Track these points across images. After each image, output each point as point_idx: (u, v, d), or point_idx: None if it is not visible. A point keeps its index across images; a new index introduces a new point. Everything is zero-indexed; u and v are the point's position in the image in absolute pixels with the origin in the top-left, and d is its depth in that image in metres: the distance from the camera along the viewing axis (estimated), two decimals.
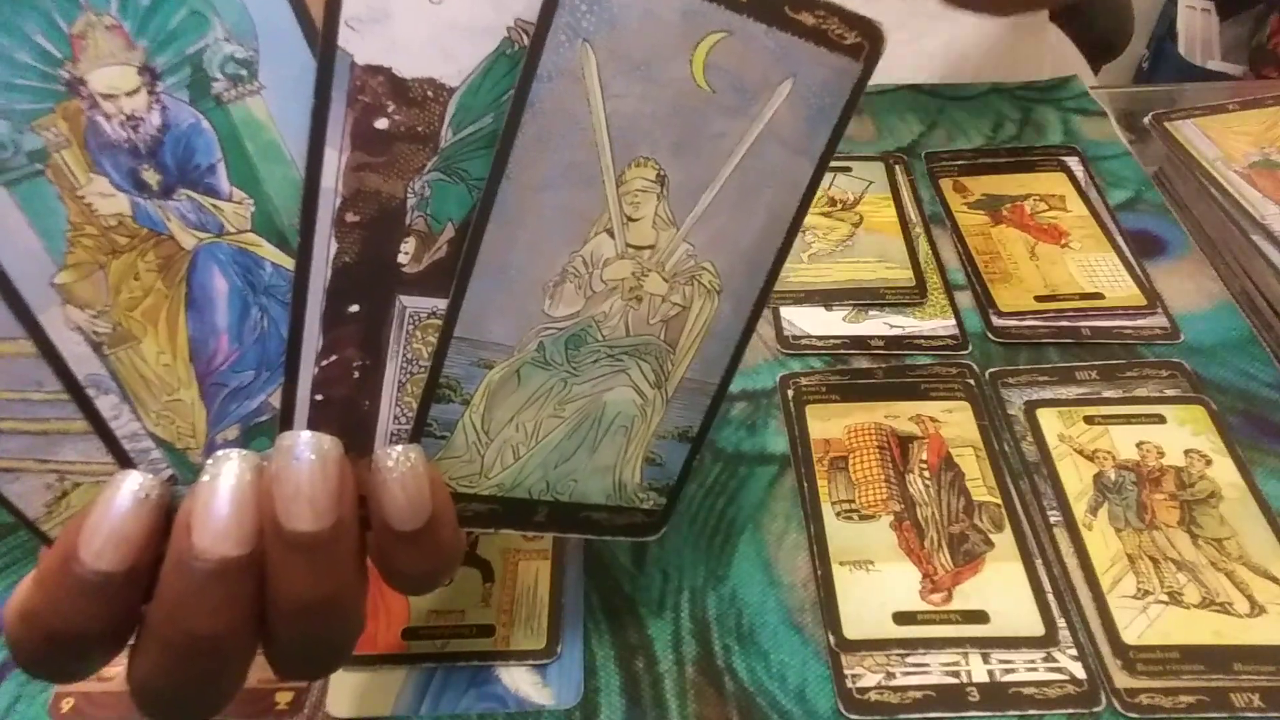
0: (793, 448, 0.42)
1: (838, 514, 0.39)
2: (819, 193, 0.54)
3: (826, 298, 0.48)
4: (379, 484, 0.25)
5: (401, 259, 0.25)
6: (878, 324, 0.47)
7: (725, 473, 0.41)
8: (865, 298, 0.48)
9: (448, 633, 0.36)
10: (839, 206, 0.54)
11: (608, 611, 0.36)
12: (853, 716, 0.33)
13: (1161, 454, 0.41)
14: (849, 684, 0.34)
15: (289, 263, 0.24)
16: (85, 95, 0.22)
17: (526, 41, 0.24)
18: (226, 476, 0.23)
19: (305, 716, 0.34)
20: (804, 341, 0.46)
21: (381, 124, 0.23)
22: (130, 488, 0.23)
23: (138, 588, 0.23)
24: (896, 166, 0.56)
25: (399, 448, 0.25)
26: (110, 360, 0.23)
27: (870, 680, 0.34)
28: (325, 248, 0.24)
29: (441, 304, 0.25)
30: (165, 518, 0.23)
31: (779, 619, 0.36)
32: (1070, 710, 0.33)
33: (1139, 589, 0.36)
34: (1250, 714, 0.33)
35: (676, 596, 0.37)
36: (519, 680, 0.35)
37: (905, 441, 0.42)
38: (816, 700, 0.34)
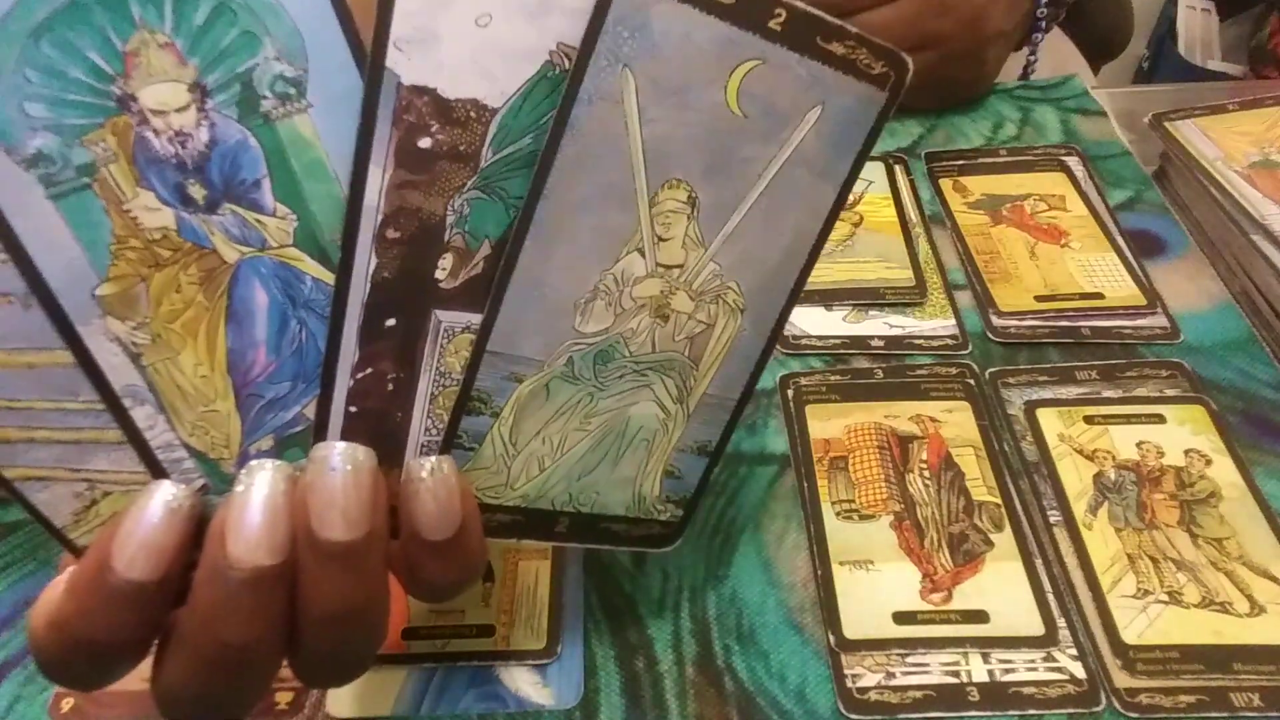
0: (793, 448, 0.42)
1: (838, 514, 0.39)
2: None
3: (826, 298, 0.48)
4: (411, 494, 0.25)
5: (439, 275, 0.25)
6: (878, 324, 0.47)
7: (725, 473, 0.41)
8: (865, 298, 0.48)
9: (448, 633, 0.36)
10: None
11: (608, 611, 0.36)
12: (853, 716, 0.33)
13: (1161, 454, 0.41)
14: (849, 684, 0.34)
15: (329, 277, 0.24)
16: (135, 111, 0.22)
17: (568, 65, 0.24)
18: (260, 486, 0.23)
19: (305, 716, 0.34)
20: (804, 341, 0.46)
21: (425, 143, 0.24)
22: (163, 498, 0.23)
23: (169, 597, 0.23)
24: (896, 166, 0.56)
25: (432, 458, 0.25)
26: (148, 371, 0.24)
27: (870, 680, 0.34)
28: (365, 263, 0.24)
29: (475, 319, 0.26)
30: (197, 528, 0.24)
31: (779, 619, 0.36)
32: (1070, 710, 0.33)
33: (1139, 589, 0.36)
34: (1250, 714, 0.33)
35: (676, 596, 0.37)
36: (519, 680, 0.35)
37: (905, 441, 0.42)
38: (816, 700, 0.34)
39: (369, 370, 0.25)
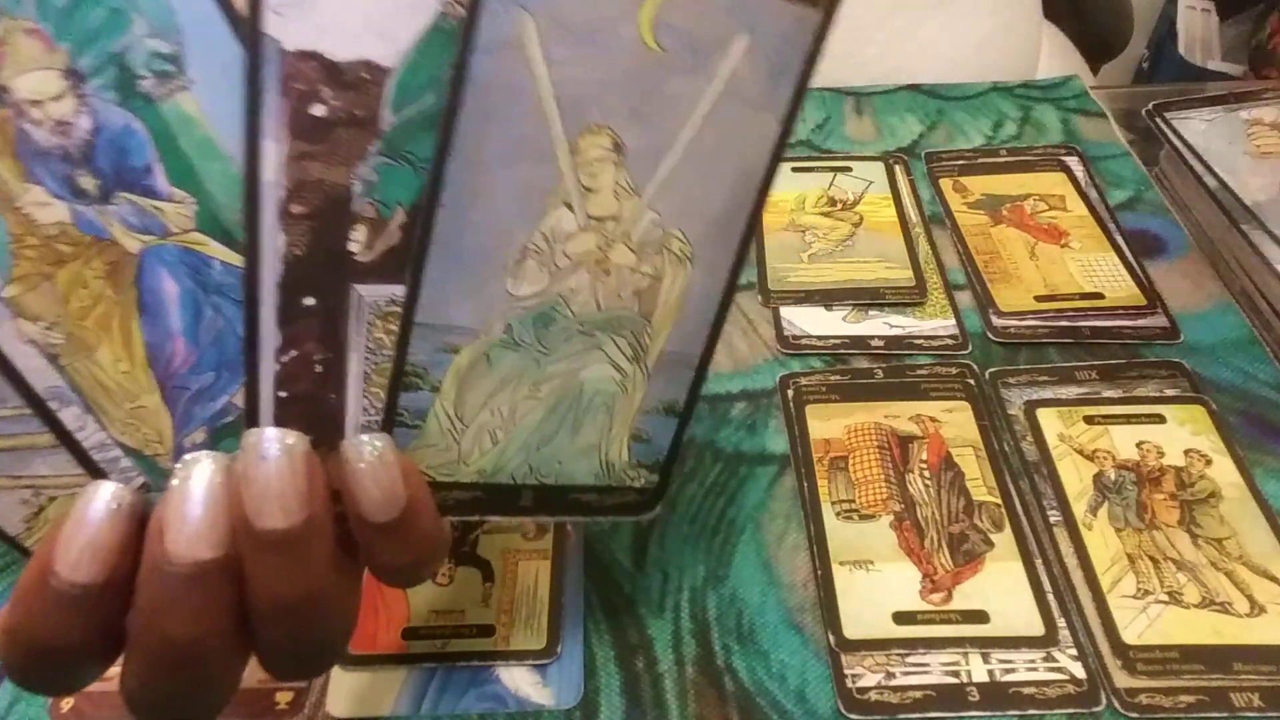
0: (793, 448, 0.42)
1: (838, 514, 0.39)
2: (819, 193, 0.54)
3: (826, 298, 0.48)
4: (348, 476, 0.24)
5: (353, 248, 0.24)
6: (878, 324, 0.47)
7: (725, 473, 0.41)
8: (865, 298, 0.48)
9: (448, 633, 0.36)
10: (839, 206, 0.54)
11: (608, 611, 0.36)
12: (853, 716, 0.33)
13: (1161, 454, 0.41)
14: (849, 684, 0.34)
15: (237, 260, 0.23)
16: (10, 103, 0.21)
17: (461, 14, 0.23)
18: (195, 479, 0.23)
19: (305, 716, 0.34)
20: (804, 341, 0.46)
21: (318, 111, 0.23)
22: (102, 498, 0.23)
23: (117, 598, 0.23)
24: (896, 166, 0.56)
25: (364, 436, 0.25)
26: (68, 371, 0.23)
27: (870, 680, 0.34)
28: (273, 242, 0.23)
29: (400, 291, 0.25)
30: (140, 526, 0.23)
31: (779, 619, 0.36)
32: (1070, 710, 0.33)
33: (1139, 589, 0.36)
34: (1250, 714, 0.33)
35: (676, 596, 0.37)
36: (519, 680, 0.35)
37: (905, 441, 0.42)
38: (816, 700, 0.34)
39: (294, 353, 0.24)
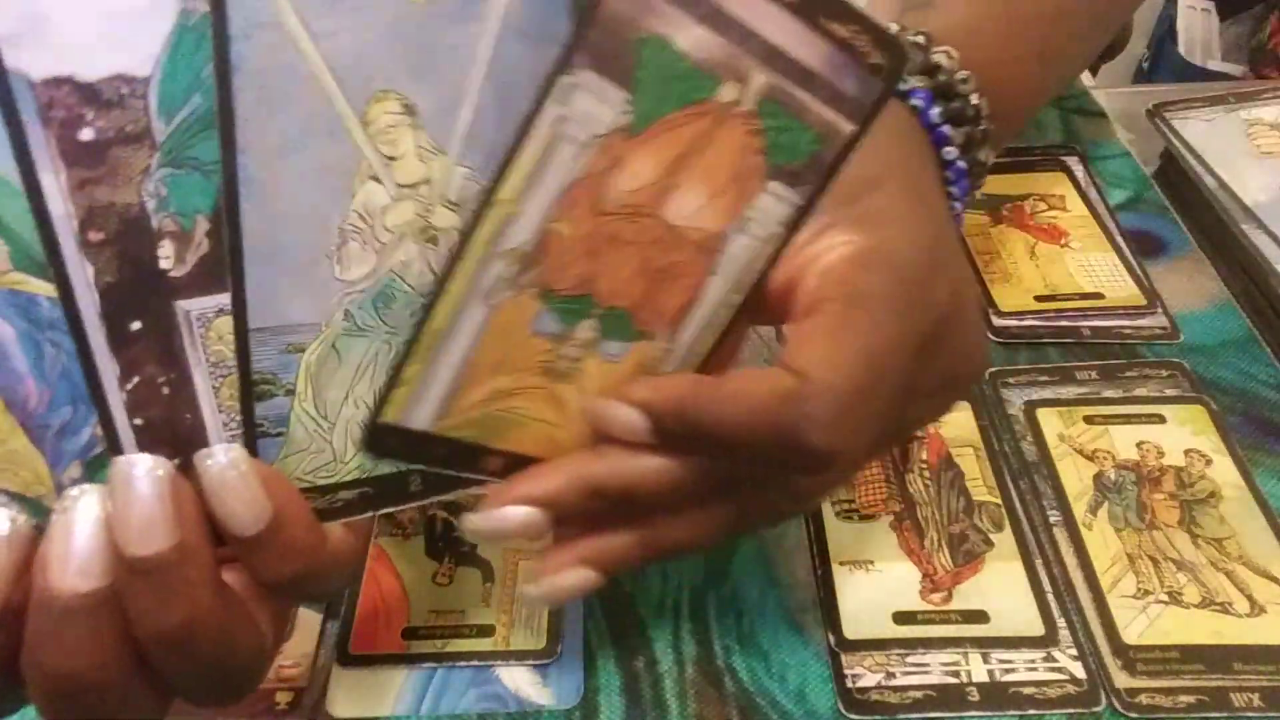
0: None
1: (838, 514, 0.39)
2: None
3: None
4: (205, 491, 0.24)
5: (164, 264, 0.23)
6: None
7: None
8: None
9: (448, 633, 0.36)
10: None
11: (608, 611, 0.36)
12: (853, 716, 0.33)
13: (1161, 454, 0.41)
14: (849, 684, 0.34)
15: None
16: None
17: (204, 9, 0.22)
18: (73, 512, 0.23)
19: (305, 716, 0.34)
20: None
21: (86, 135, 0.22)
22: None
23: (16, 627, 0.23)
24: None
25: (217, 447, 0.24)
26: None
27: (870, 680, 0.34)
28: (82, 273, 0.22)
29: (224, 300, 0.24)
30: (30, 556, 0.23)
31: (779, 619, 0.36)
32: (1070, 710, 0.33)
33: (1139, 589, 0.36)
34: (1250, 714, 0.33)
35: (676, 596, 0.37)
36: (519, 680, 0.35)
37: (905, 441, 0.42)
38: (816, 700, 0.34)
39: (136, 379, 0.24)
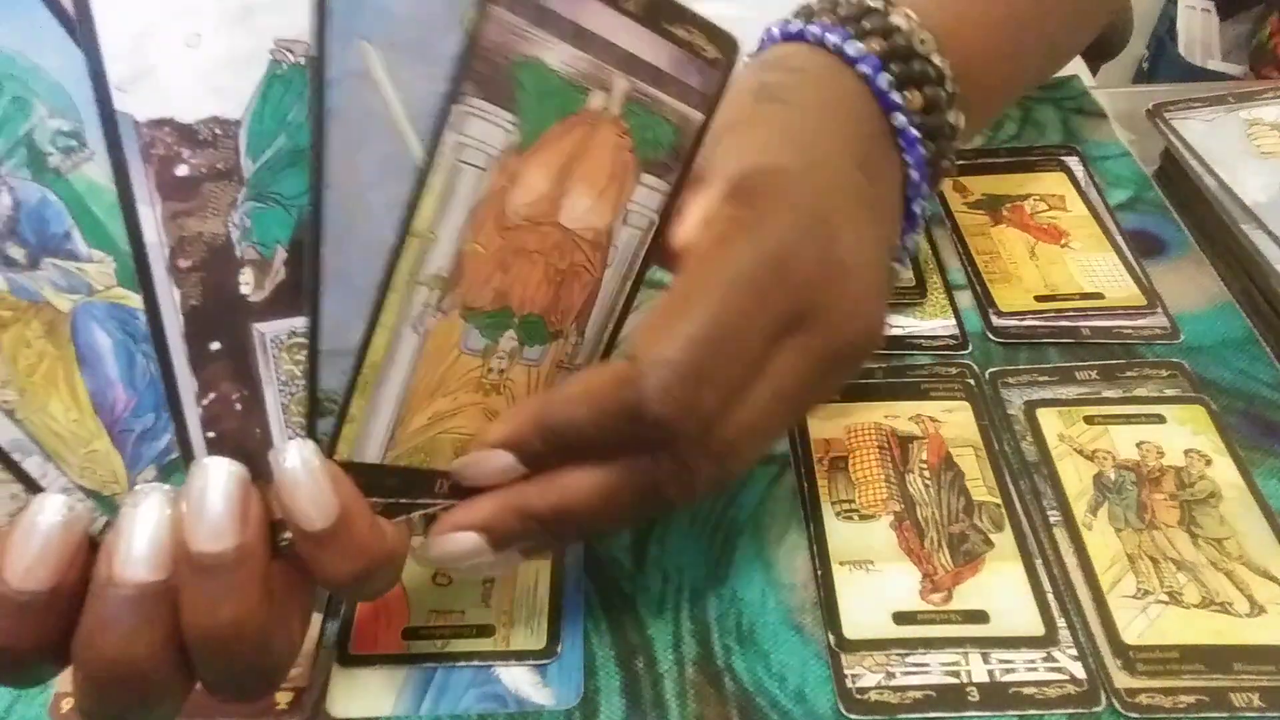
0: (793, 448, 0.42)
1: (838, 514, 0.39)
2: None
3: None
4: (278, 484, 0.25)
5: (245, 290, 0.25)
6: None
7: None
8: None
9: (448, 633, 0.36)
10: None
11: (608, 611, 0.36)
12: (853, 716, 0.33)
13: (1161, 454, 0.41)
14: (849, 684, 0.34)
15: None
16: None
17: (292, 59, 0.25)
18: (141, 508, 0.24)
19: (305, 716, 0.34)
20: None
21: (182, 171, 0.24)
22: (52, 509, 0.24)
23: (66, 608, 0.24)
24: None
25: (292, 442, 0.26)
26: (24, 424, 0.25)
27: (870, 680, 0.34)
28: (170, 297, 0.25)
29: (298, 324, 0.26)
30: (88, 539, 0.24)
31: (779, 619, 0.36)
32: (1070, 710, 0.33)
33: (1139, 589, 0.36)
34: (1250, 714, 0.33)
35: (676, 596, 0.37)
36: (519, 680, 0.35)
37: (905, 441, 0.42)
38: (816, 700, 0.34)
39: (212, 395, 0.26)
